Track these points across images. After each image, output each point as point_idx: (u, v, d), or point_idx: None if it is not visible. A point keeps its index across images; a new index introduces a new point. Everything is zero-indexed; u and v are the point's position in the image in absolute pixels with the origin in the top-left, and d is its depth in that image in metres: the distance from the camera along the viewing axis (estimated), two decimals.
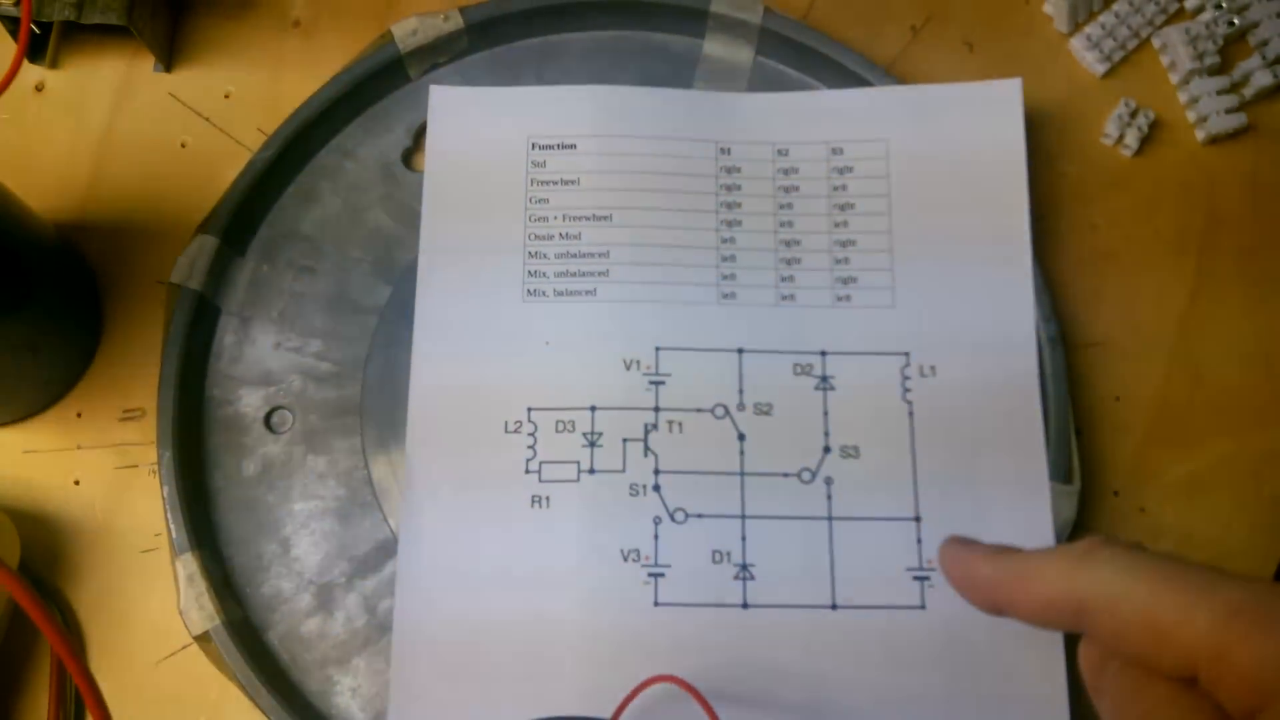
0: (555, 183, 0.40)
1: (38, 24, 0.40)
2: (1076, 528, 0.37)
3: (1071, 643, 0.34)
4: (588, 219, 0.39)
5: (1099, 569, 0.25)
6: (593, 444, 0.37)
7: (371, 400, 0.38)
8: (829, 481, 0.37)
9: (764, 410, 0.37)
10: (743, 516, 0.36)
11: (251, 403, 0.39)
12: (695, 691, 0.32)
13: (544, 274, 0.38)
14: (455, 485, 0.36)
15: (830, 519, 0.36)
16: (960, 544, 0.31)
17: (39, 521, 0.38)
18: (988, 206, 0.39)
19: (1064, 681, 0.34)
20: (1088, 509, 0.38)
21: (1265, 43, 0.42)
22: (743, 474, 0.37)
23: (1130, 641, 0.24)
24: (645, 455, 0.37)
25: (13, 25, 0.40)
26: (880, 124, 0.40)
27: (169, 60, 0.43)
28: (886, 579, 0.36)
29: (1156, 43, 0.43)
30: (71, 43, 0.43)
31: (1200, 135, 0.42)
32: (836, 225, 0.39)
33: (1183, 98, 0.42)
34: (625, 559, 0.36)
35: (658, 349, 0.38)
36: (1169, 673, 0.24)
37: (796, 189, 0.40)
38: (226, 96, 0.42)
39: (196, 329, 0.39)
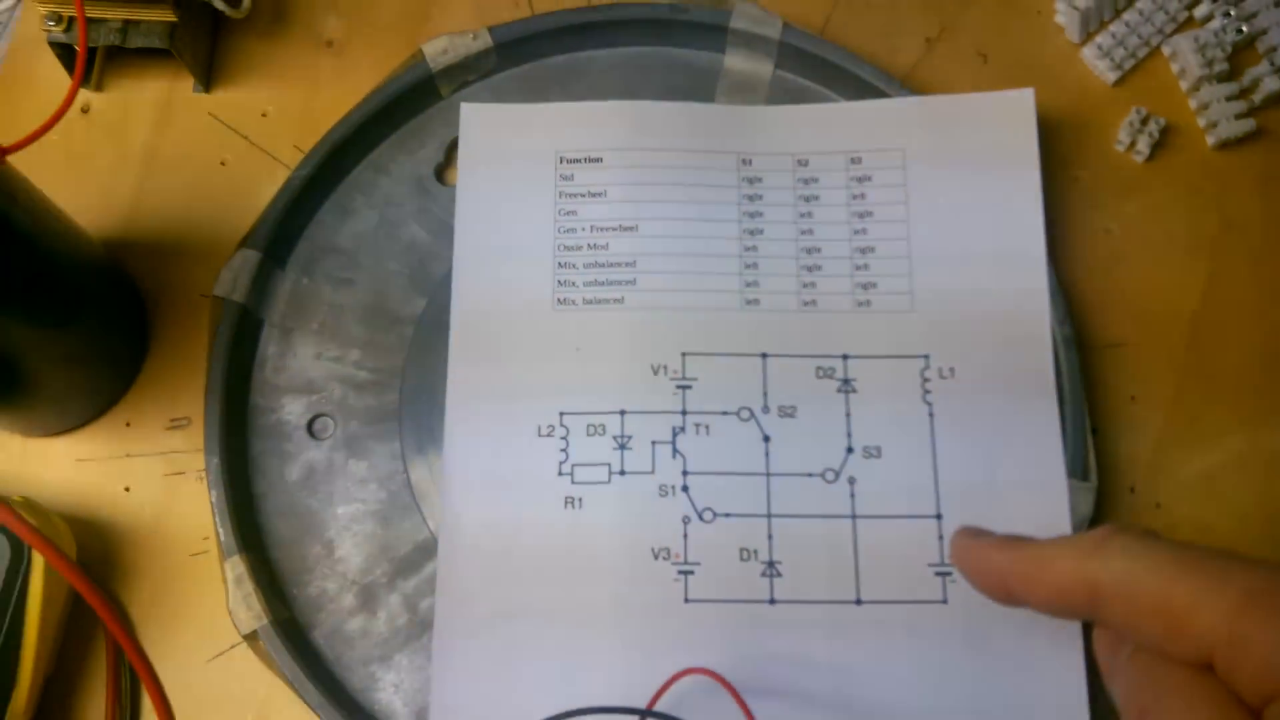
0: (583, 195, 0.41)
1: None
2: (1093, 524, 0.38)
3: (1090, 634, 0.35)
4: (615, 230, 0.40)
5: (1112, 556, 0.25)
6: (623, 446, 0.38)
7: (409, 407, 0.40)
8: (852, 481, 0.38)
9: (788, 413, 0.38)
10: (769, 516, 0.37)
11: (294, 410, 0.40)
12: (727, 683, 0.33)
13: (573, 283, 0.40)
14: (491, 488, 0.38)
15: (854, 517, 0.37)
16: (972, 534, 0.31)
17: (92, 527, 0.39)
18: (1003, 213, 0.40)
19: (1083, 673, 0.35)
20: (1105, 505, 0.39)
21: (1274, 49, 0.43)
22: (768, 474, 0.38)
23: (1145, 629, 0.24)
24: (674, 457, 0.38)
25: (60, 50, 0.42)
26: (897, 134, 0.41)
27: (208, 81, 0.44)
28: (909, 575, 0.37)
29: (1166, 51, 0.44)
30: (115, 66, 0.45)
31: (1211, 140, 0.43)
32: (856, 232, 0.40)
33: (1193, 104, 0.43)
34: (656, 557, 0.37)
35: (684, 354, 0.39)
36: (1184, 660, 0.24)
37: (816, 198, 0.41)
38: (264, 115, 0.44)
39: (240, 340, 0.40)
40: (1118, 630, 0.26)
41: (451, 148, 0.43)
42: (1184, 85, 0.43)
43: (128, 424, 0.41)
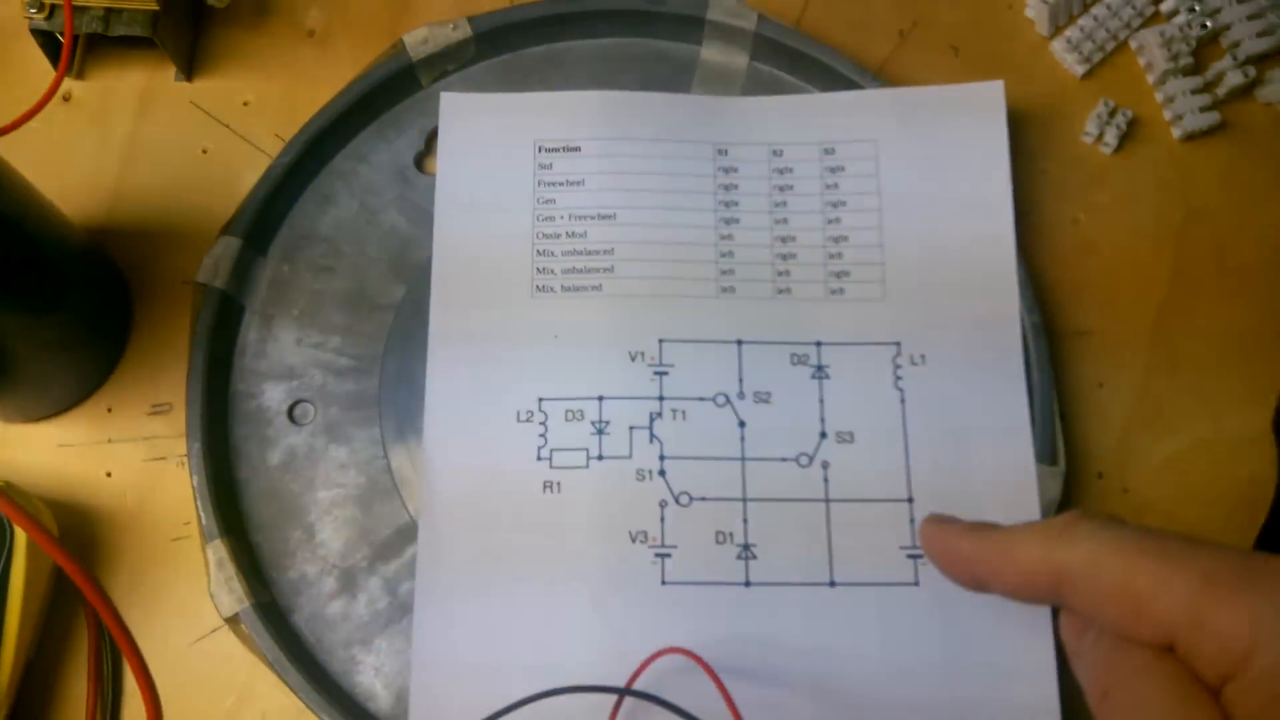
0: (561, 184, 0.41)
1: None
2: (1061, 508, 0.38)
3: (1058, 618, 0.36)
4: (593, 218, 0.41)
5: (1077, 542, 0.26)
6: (601, 432, 0.38)
7: (389, 393, 0.40)
8: (825, 465, 0.38)
9: (763, 398, 0.39)
10: (744, 499, 0.38)
11: (275, 396, 0.40)
12: (703, 662, 0.34)
13: (552, 270, 0.40)
14: (470, 472, 0.38)
15: (827, 501, 0.38)
16: (939, 521, 0.32)
17: (73, 512, 0.39)
18: (973, 203, 0.41)
19: (1052, 653, 0.36)
20: (1073, 490, 0.40)
21: (1237, 44, 0.44)
22: (744, 459, 0.38)
23: (1109, 612, 0.25)
24: (651, 442, 0.38)
25: (41, 37, 0.42)
26: (870, 125, 0.42)
27: (190, 70, 0.45)
28: (881, 557, 0.37)
29: (1133, 45, 0.44)
30: (96, 54, 0.45)
31: (1176, 133, 0.43)
32: (829, 222, 0.41)
33: (1159, 97, 0.44)
34: (633, 540, 0.37)
35: (661, 341, 0.39)
36: (1148, 642, 0.24)
37: (791, 188, 0.42)
38: (245, 104, 0.44)
39: (221, 326, 0.40)
40: (1083, 614, 0.27)
41: (431, 137, 0.43)
42: (1150, 79, 0.44)
43: (109, 410, 0.41)
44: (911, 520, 0.38)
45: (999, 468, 0.38)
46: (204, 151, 0.44)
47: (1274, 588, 0.22)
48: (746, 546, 0.37)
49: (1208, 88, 0.44)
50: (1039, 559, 0.27)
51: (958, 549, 0.31)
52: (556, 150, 0.42)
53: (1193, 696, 0.23)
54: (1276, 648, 0.22)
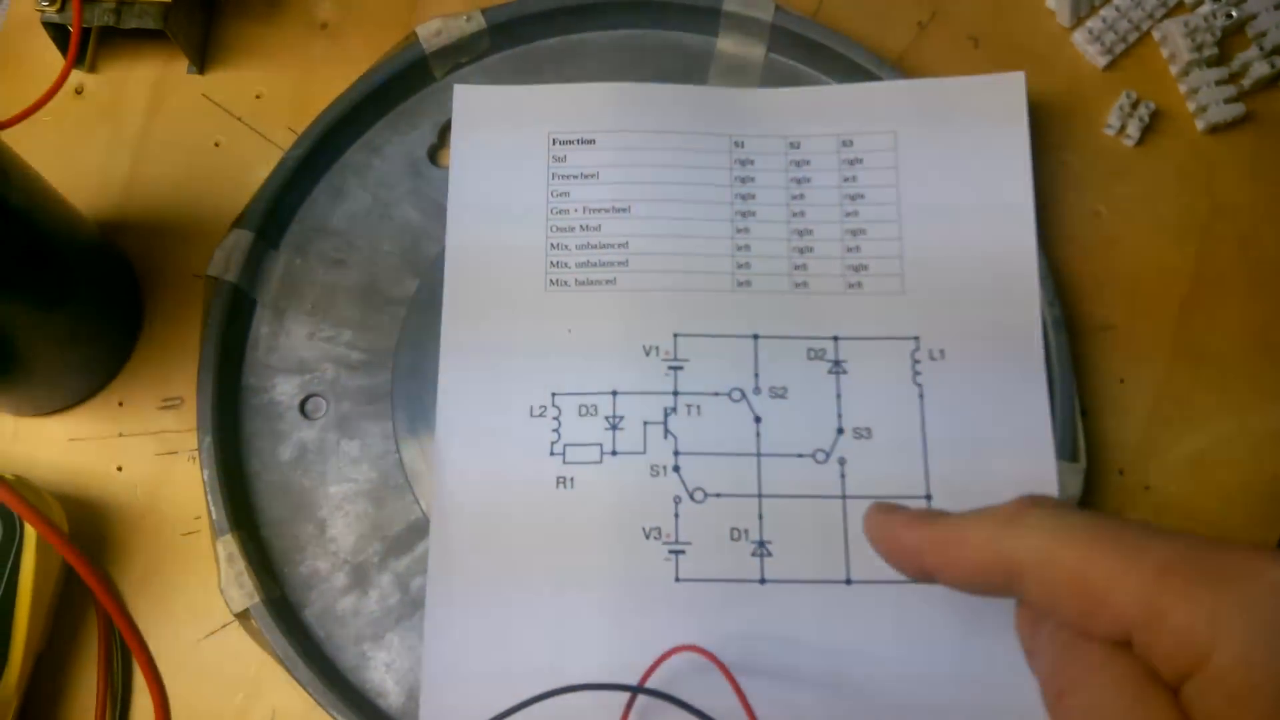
0: (575, 176, 0.41)
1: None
2: (1082, 505, 0.38)
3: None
4: (607, 211, 0.40)
5: (1027, 532, 0.24)
6: (615, 427, 0.38)
7: (402, 387, 0.40)
8: (842, 462, 0.38)
9: (779, 394, 0.39)
10: (759, 496, 0.37)
11: (286, 390, 0.40)
12: (717, 660, 0.33)
13: (566, 264, 0.40)
14: (483, 467, 0.38)
15: (844, 498, 0.38)
16: (883, 511, 0.30)
17: (84, 506, 0.39)
18: (993, 195, 0.40)
19: None
20: (1094, 487, 0.39)
21: (1263, 34, 0.43)
22: (759, 455, 0.38)
23: (1062, 606, 0.23)
24: (665, 437, 0.38)
25: (54, 30, 0.42)
26: (888, 117, 0.41)
27: (202, 63, 0.44)
28: None
29: (1156, 35, 0.44)
30: (109, 47, 0.45)
31: (1200, 125, 0.43)
32: (847, 215, 0.41)
33: (1183, 88, 0.43)
34: (647, 537, 0.37)
35: (676, 335, 0.39)
36: (1103, 637, 0.23)
37: (808, 180, 0.41)
38: (258, 97, 0.44)
39: (233, 320, 0.40)
40: (1038, 607, 0.25)
41: (444, 129, 0.43)
42: (1174, 70, 0.43)
43: (120, 404, 0.41)
44: None
45: (1019, 464, 0.38)
46: (216, 144, 0.43)
47: (1234, 580, 0.21)
48: (761, 544, 0.37)
49: (1233, 79, 0.43)
50: (987, 550, 0.25)
51: (902, 540, 0.29)
52: (571, 143, 0.41)
53: (1149, 697, 0.22)
54: (1237, 643, 0.20)
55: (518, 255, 0.40)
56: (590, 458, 0.38)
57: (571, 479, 0.38)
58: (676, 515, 0.37)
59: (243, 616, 0.37)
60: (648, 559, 0.37)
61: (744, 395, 0.38)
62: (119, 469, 0.40)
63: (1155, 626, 0.21)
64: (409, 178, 0.42)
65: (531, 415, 0.38)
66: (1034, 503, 0.25)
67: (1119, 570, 0.22)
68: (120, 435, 0.40)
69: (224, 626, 0.38)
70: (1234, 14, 0.43)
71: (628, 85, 0.42)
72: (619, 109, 0.42)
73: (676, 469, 0.38)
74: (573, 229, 0.40)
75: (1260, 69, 0.42)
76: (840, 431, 0.38)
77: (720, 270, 0.40)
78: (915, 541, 0.28)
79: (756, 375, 0.39)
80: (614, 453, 0.38)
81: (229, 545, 0.37)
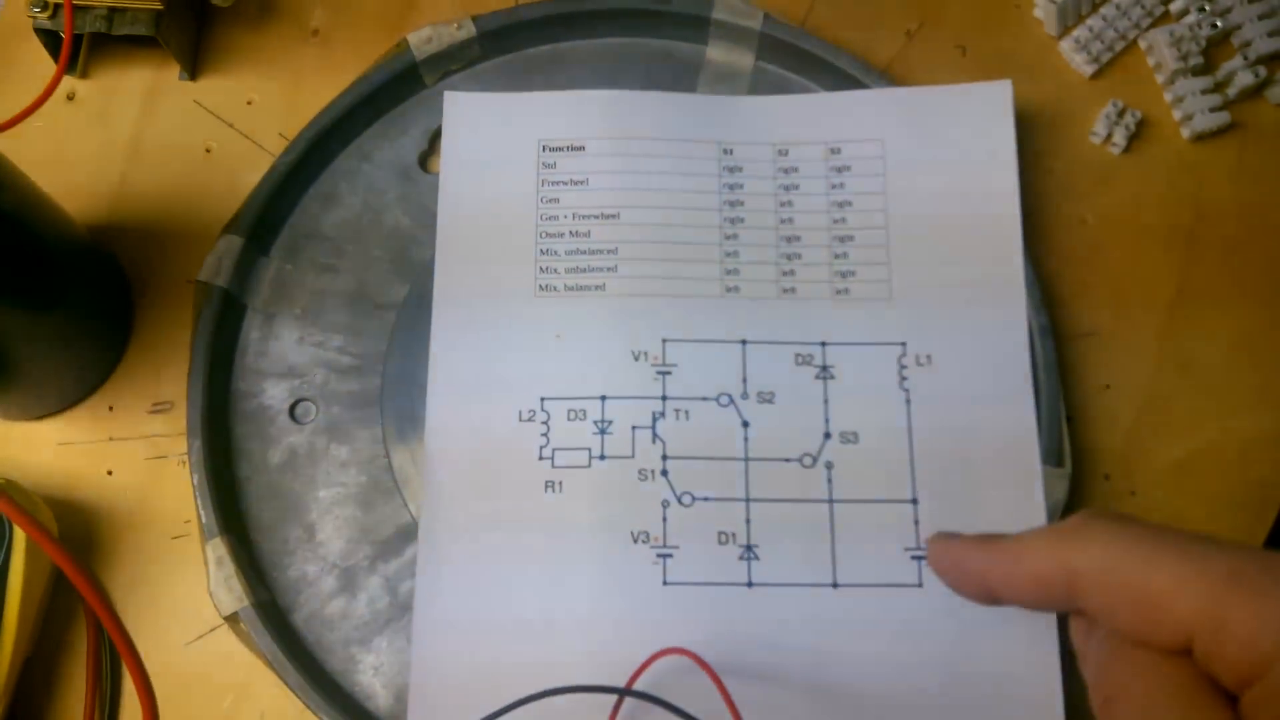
0: (565, 183, 0.41)
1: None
2: (1068, 511, 0.38)
3: (1063, 618, 0.36)
4: (596, 217, 0.41)
5: (1089, 543, 0.25)
6: (603, 431, 0.38)
7: (391, 392, 0.40)
8: (829, 466, 0.38)
9: (767, 398, 0.39)
10: (747, 500, 0.38)
11: (276, 395, 0.40)
12: (704, 663, 0.33)
13: (555, 270, 0.40)
14: (472, 471, 0.38)
15: (831, 502, 0.38)
16: (947, 538, 0.31)
17: (74, 510, 0.39)
18: (980, 203, 0.41)
19: (1057, 657, 0.36)
20: (1080, 492, 0.39)
21: (1248, 44, 0.43)
22: (747, 459, 0.38)
23: (1124, 614, 0.24)
24: (653, 442, 0.38)
25: (46, 37, 0.42)
26: (876, 125, 0.42)
27: (194, 69, 0.45)
28: (885, 558, 0.37)
29: (1143, 45, 0.44)
30: (100, 53, 0.45)
31: (1186, 133, 0.43)
32: (835, 222, 0.41)
33: (1168, 97, 0.43)
34: (635, 540, 0.37)
35: (664, 340, 0.39)
36: (1165, 646, 0.23)
37: (796, 187, 0.41)
38: (249, 103, 0.44)
39: (223, 325, 0.40)
40: (1098, 618, 0.25)
41: (435, 136, 0.43)
42: (1160, 79, 0.44)
43: (110, 408, 0.41)
44: (916, 521, 0.37)
45: (1005, 469, 0.38)
46: (207, 150, 0.44)
47: None
48: (749, 547, 0.37)
49: (1218, 88, 0.43)
50: (1050, 563, 0.26)
51: (966, 562, 0.29)
52: (560, 149, 0.42)
53: (1204, 704, 0.22)
54: None
55: (507, 261, 0.40)
56: (579, 462, 0.38)
57: (560, 483, 0.38)
58: (664, 519, 0.37)
59: (232, 620, 0.37)
60: (635, 562, 0.37)
61: (732, 400, 0.39)
62: (109, 473, 0.40)
63: (1218, 634, 0.22)
64: (399, 184, 0.43)
65: (520, 420, 0.38)
66: (1095, 515, 0.26)
67: (1183, 577, 0.22)
68: (110, 439, 0.40)
69: (213, 630, 0.38)
70: (1219, 24, 0.43)
71: (617, 93, 0.42)
72: (608, 116, 0.42)
73: (664, 473, 0.38)
74: (562, 235, 0.41)
75: (1245, 78, 0.43)
76: (827, 436, 0.38)
77: (708, 276, 0.40)
78: (979, 564, 0.29)
79: (744, 380, 0.39)
80: (602, 457, 0.38)
81: (218, 549, 0.37)
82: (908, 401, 0.39)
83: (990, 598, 0.29)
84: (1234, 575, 0.22)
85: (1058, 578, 0.26)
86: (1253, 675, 0.21)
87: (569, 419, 0.38)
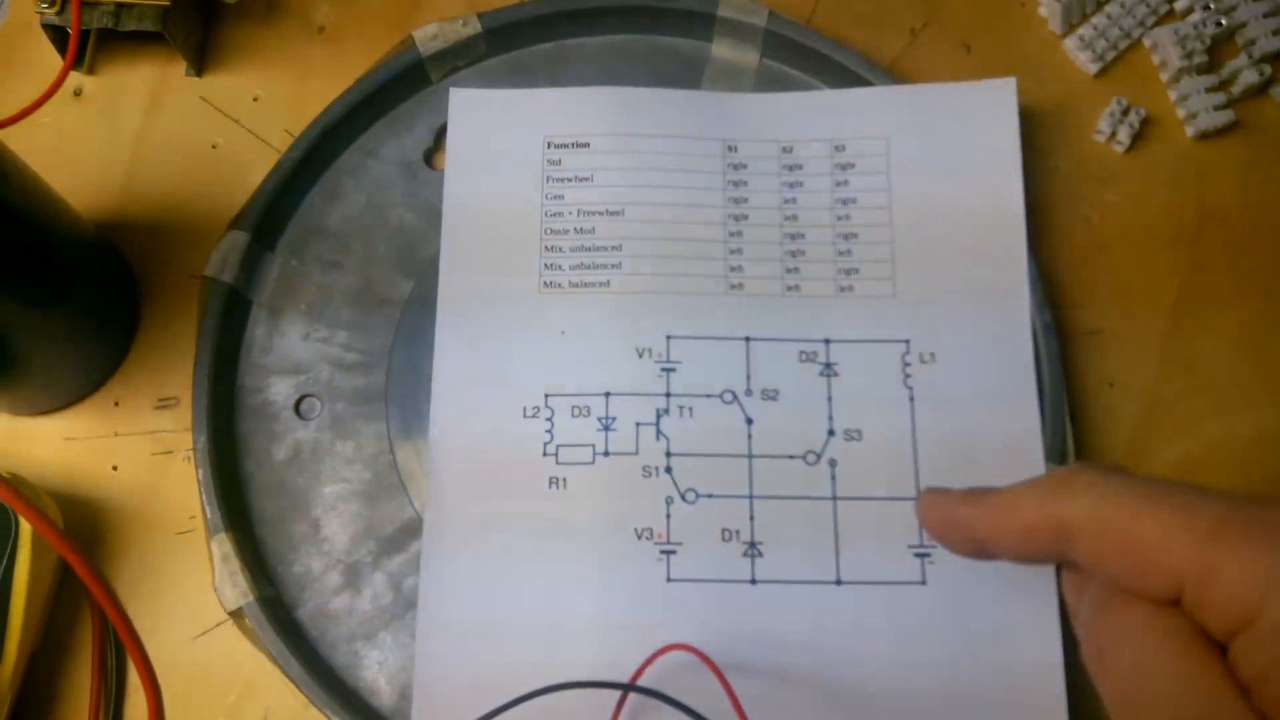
0: (570, 180, 0.41)
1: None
2: None
3: (1066, 616, 0.36)
4: (601, 214, 0.41)
5: (1077, 494, 0.25)
6: (607, 428, 0.38)
7: (396, 388, 0.40)
8: (833, 463, 0.38)
9: (770, 396, 0.39)
10: (750, 497, 0.38)
11: (281, 391, 0.40)
12: (708, 659, 0.33)
13: (559, 266, 0.40)
14: (476, 467, 0.38)
15: (834, 499, 0.38)
16: (937, 492, 0.31)
17: (79, 505, 0.40)
18: (984, 200, 0.41)
19: (1059, 652, 0.36)
20: None
21: (1252, 42, 0.43)
22: (750, 456, 0.38)
23: (1113, 564, 0.24)
24: (657, 439, 0.38)
25: (53, 32, 0.42)
26: (881, 122, 0.42)
27: (200, 65, 0.45)
28: (888, 556, 0.37)
29: (1147, 43, 0.44)
30: (107, 49, 0.45)
31: (1190, 131, 0.43)
32: (839, 219, 0.41)
33: (1173, 95, 0.43)
34: (639, 537, 0.37)
35: (669, 337, 0.39)
36: (1154, 596, 0.23)
37: (801, 184, 0.41)
38: (255, 100, 0.44)
39: (229, 321, 0.40)
40: (1088, 568, 0.25)
41: (440, 133, 0.43)
42: (1164, 77, 0.44)
43: (116, 403, 0.41)
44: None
45: (1008, 467, 0.38)
46: (213, 146, 0.44)
47: None
48: (753, 544, 0.37)
49: (1222, 86, 0.43)
50: (1040, 513, 0.26)
51: (955, 514, 0.29)
52: (566, 146, 0.42)
53: (1193, 652, 0.22)
54: None
55: (512, 257, 0.40)
56: (583, 458, 0.38)
57: (564, 479, 0.38)
58: (668, 516, 0.37)
59: (236, 615, 0.37)
60: (639, 559, 0.37)
61: (736, 397, 0.39)
62: (114, 468, 0.40)
63: (1207, 583, 0.22)
64: (404, 180, 0.43)
65: (525, 416, 0.39)
66: (1085, 467, 0.26)
67: (1172, 527, 0.22)
68: (116, 435, 0.41)
69: (217, 625, 0.38)
70: (1223, 22, 0.43)
71: (622, 89, 0.42)
72: (613, 113, 0.42)
73: (668, 470, 0.38)
74: (567, 231, 0.41)
75: (1249, 77, 0.43)
76: (831, 433, 0.38)
77: (713, 273, 0.40)
78: (967, 516, 0.29)
79: (748, 377, 0.39)
80: (606, 453, 0.38)
81: (223, 544, 0.37)
82: (911, 399, 0.39)
83: (980, 551, 0.29)
84: (1222, 525, 0.22)
85: (1047, 528, 0.26)
86: (1241, 624, 0.21)
87: (573, 415, 0.38)
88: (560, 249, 0.40)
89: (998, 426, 0.38)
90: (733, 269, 0.40)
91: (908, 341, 0.39)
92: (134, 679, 0.38)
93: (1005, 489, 0.28)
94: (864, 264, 0.40)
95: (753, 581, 0.37)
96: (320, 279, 0.42)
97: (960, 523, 0.29)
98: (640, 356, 0.39)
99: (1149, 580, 0.23)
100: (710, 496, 0.38)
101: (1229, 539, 0.21)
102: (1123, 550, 0.23)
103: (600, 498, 0.38)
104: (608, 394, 0.39)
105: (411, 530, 0.39)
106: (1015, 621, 0.36)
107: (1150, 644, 0.23)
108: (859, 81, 0.43)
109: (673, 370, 0.39)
